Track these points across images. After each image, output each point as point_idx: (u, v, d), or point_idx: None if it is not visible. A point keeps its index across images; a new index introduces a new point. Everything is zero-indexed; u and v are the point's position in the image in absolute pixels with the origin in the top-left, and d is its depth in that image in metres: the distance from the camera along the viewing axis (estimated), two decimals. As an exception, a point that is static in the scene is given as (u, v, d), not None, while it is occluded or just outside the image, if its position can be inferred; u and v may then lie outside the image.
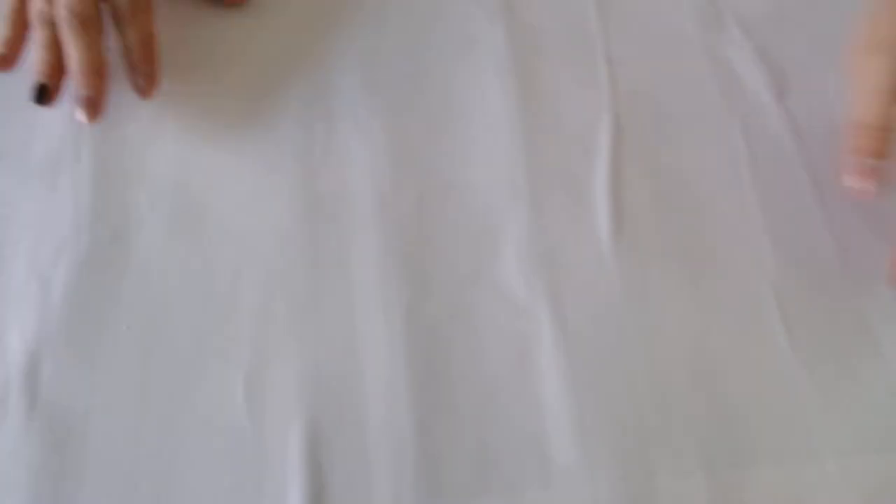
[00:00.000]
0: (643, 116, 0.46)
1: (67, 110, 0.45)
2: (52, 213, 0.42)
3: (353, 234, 0.42)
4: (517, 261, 0.41)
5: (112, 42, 0.46)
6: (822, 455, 0.37)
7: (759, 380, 0.39)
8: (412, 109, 0.46)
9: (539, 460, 0.37)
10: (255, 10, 0.50)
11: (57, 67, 0.44)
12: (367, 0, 0.49)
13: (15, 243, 0.42)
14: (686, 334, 0.40)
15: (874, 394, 0.39)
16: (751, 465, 0.37)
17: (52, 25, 0.45)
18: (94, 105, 0.44)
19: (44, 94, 0.44)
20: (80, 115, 0.44)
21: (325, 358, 0.39)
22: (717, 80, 0.48)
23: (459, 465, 0.37)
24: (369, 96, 0.46)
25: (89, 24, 0.44)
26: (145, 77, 0.45)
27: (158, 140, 0.45)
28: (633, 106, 0.46)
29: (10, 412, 0.38)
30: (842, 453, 0.37)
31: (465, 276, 0.41)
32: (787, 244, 0.42)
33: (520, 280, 0.41)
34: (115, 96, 0.46)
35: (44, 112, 0.45)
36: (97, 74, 0.44)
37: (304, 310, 0.40)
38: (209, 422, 0.38)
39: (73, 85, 0.44)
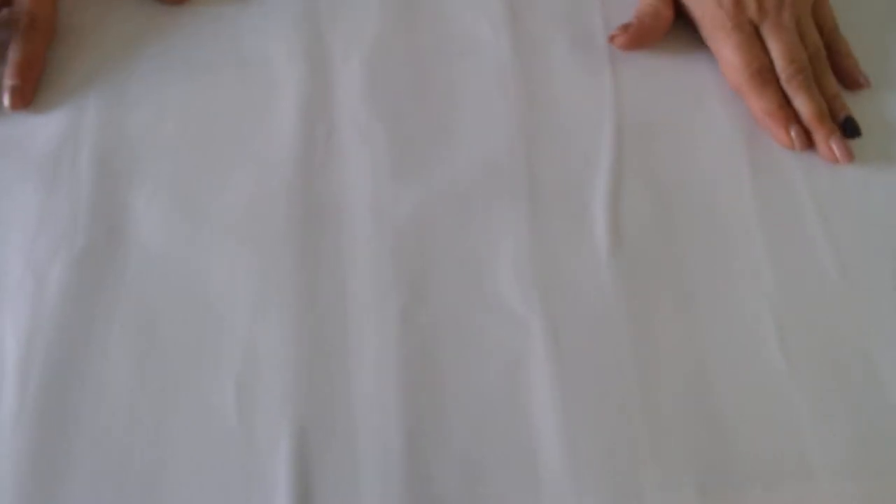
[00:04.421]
0: (645, 128, 0.46)
1: (65, 108, 0.45)
2: (50, 209, 0.42)
3: (350, 239, 0.42)
4: (514, 272, 0.41)
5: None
6: (816, 475, 0.37)
7: (754, 399, 0.38)
8: (413, 115, 0.46)
9: (528, 475, 0.37)
10: (254, 11, 0.50)
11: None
12: (371, 4, 0.49)
13: (12, 239, 0.42)
14: (681, 351, 0.40)
15: (870, 415, 0.38)
16: (743, 484, 0.36)
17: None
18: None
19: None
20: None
21: (317, 364, 0.39)
22: (721, 94, 0.47)
23: (448, 477, 0.37)
24: (371, 101, 0.46)
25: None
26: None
27: (157, 140, 0.45)
28: (636, 117, 0.46)
29: (1, 408, 0.38)
30: (836, 474, 0.37)
31: (461, 286, 0.41)
32: (786, 261, 0.42)
33: (515, 292, 0.41)
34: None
35: (42, 108, 0.45)
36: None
37: (298, 315, 0.40)
38: (199, 424, 0.38)
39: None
